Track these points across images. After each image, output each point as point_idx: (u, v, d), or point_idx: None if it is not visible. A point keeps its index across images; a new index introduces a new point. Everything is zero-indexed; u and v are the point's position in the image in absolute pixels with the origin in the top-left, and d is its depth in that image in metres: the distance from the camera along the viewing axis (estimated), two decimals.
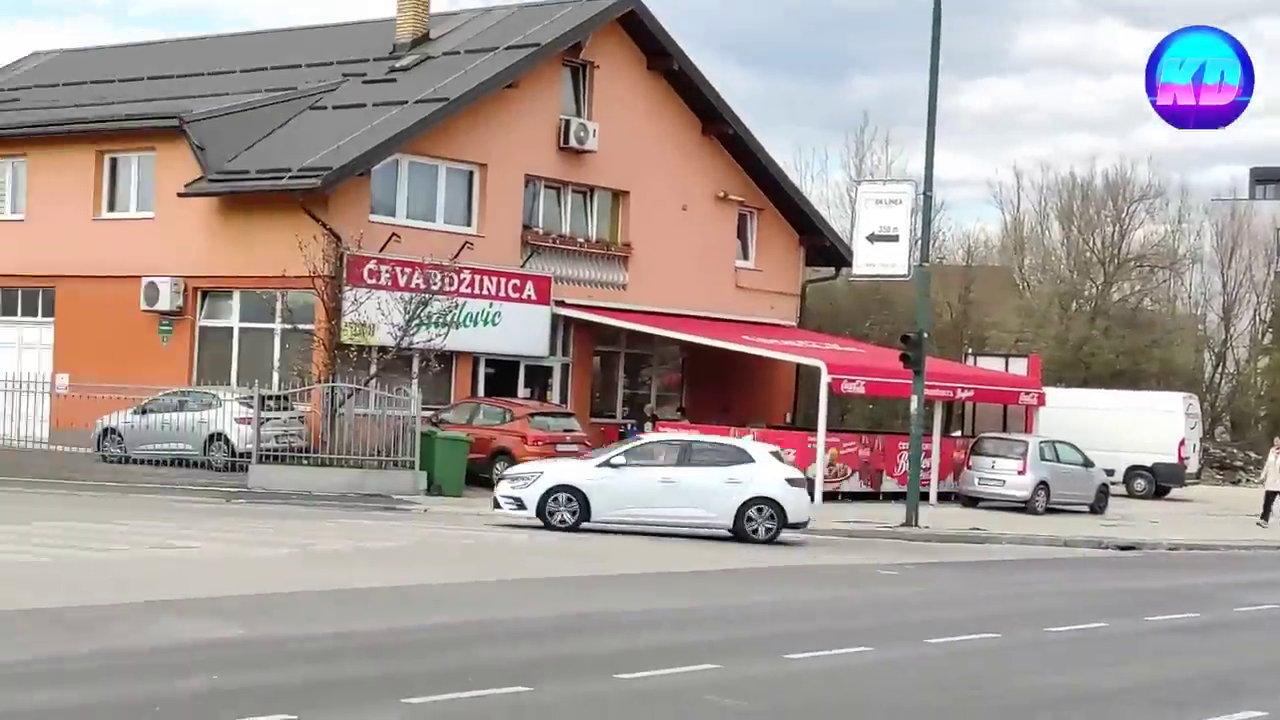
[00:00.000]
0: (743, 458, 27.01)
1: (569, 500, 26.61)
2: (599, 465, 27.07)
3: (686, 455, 27.09)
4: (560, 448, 33.48)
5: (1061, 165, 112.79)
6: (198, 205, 35.71)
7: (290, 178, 33.92)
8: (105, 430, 33.94)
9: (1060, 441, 39.15)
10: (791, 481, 26.96)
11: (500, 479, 28.39)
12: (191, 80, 41.65)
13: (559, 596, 18.47)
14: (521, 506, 26.82)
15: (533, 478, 27.02)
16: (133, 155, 37.84)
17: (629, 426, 40.77)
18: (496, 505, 27.41)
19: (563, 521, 26.48)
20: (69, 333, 38.03)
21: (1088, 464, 39.29)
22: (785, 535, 26.71)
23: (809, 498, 27.90)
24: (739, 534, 26.51)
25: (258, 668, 13.09)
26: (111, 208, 38.20)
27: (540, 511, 26.61)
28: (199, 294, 36.35)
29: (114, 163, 38.26)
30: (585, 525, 26.44)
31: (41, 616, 14.65)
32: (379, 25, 41.83)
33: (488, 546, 23.82)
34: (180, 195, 35.48)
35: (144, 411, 33.48)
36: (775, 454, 27.68)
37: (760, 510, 26.53)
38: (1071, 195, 67.00)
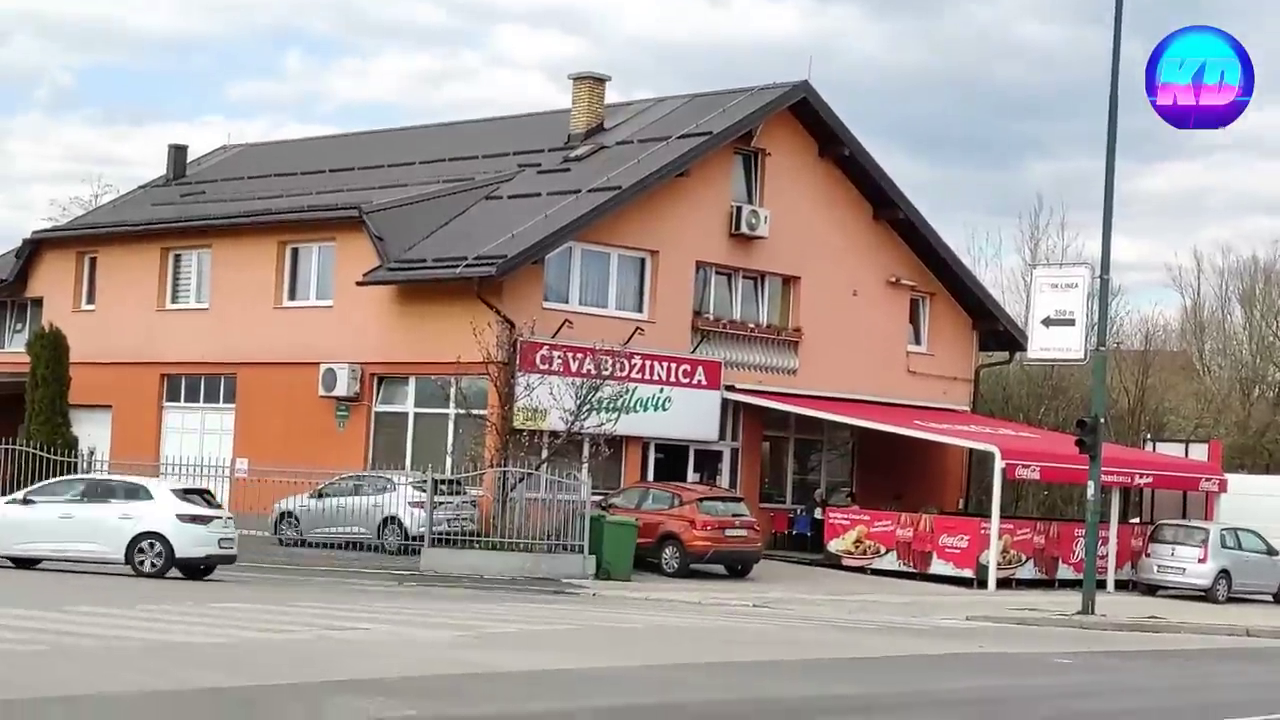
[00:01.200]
0: (140, 495, 28.08)
1: None
2: (8, 502, 28.70)
3: (89, 492, 28.47)
4: (729, 532, 33.47)
5: (1243, 248, 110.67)
6: (375, 293, 36.43)
7: (466, 266, 34.48)
8: (282, 514, 34.60)
9: (1243, 529, 38.33)
10: (185, 518, 27.50)
11: None
12: (372, 172, 42.60)
13: (732, 680, 18.36)
14: None
15: None
16: (313, 245, 38.75)
17: (798, 512, 40.61)
18: None
19: None
20: (249, 418, 38.89)
21: (1271, 552, 38.40)
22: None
23: (215, 534, 27.90)
24: (133, 567, 27.38)
25: None
26: (292, 296, 39.11)
27: None
28: (375, 380, 37.00)
29: (295, 253, 39.20)
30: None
31: (225, 696, 14.94)
32: (554, 116, 42.46)
33: (653, 630, 23.81)
34: (359, 284, 36.23)
35: (320, 495, 34.07)
36: (187, 492, 28.38)
37: (150, 545, 27.44)
38: (1254, 278, 65.62)
